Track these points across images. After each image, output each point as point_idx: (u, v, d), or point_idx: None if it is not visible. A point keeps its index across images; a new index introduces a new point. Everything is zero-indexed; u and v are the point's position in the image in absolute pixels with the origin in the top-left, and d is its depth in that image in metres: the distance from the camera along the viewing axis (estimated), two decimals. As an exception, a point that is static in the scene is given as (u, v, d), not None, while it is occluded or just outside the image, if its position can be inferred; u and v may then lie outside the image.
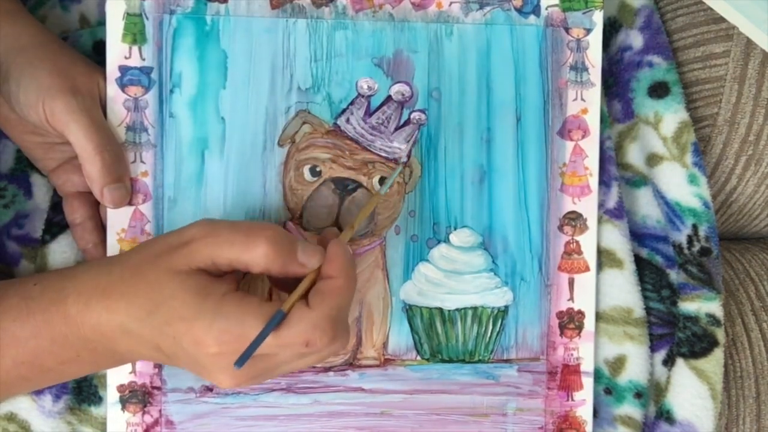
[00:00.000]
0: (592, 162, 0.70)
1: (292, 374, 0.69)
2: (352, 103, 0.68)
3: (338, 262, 0.58)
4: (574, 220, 0.70)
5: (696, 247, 0.71)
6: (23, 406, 0.68)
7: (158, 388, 0.68)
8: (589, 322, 0.71)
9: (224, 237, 0.57)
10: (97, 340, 0.59)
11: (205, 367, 0.57)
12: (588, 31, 0.70)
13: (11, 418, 0.68)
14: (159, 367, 0.68)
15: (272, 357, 0.57)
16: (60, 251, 0.69)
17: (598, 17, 0.70)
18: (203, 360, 0.56)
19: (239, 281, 0.60)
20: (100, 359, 0.61)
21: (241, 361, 0.54)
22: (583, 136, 0.70)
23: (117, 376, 0.68)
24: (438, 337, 0.70)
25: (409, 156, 0.69)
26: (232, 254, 0.57)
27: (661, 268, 0.74)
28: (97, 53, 0.70)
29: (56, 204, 0.70)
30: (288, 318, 0.56)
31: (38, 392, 0.67)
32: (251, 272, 0.58)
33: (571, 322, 0.71)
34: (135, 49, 0.67)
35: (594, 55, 0.70)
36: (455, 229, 0.70)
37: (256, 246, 0.56)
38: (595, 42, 0.70)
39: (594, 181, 0.70)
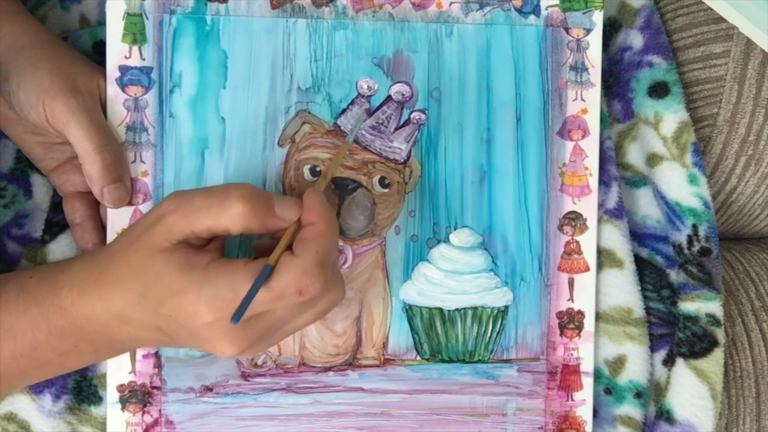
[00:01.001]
0: (592, 162, 0.70)
1: (292, 374, 0.69)
2: (352, 103, 0.68)
3: (315, 208, 0.58)
4: (574, 220, 0.70)
5: (696, 247, 0.71)
6: (23, 406, 0.68)
7: (158, 388, 0.68)
8: (589, 323, 0.71)
9: (197, 204, 0.56)
10: (94, 330, 0.59)
11: (205, 339, 0.57)
12: (588, 31, 0.70)
13: (11, 418, 0.68)
14: (159, 366, 0.68)
15: (269, 315, 0.57)
16: (60, 251, 0.69)
17: (598, 17, 0.70)
18: (201, 332, 0.56)
19: (222, 247, 0.60)
20: (100, 349, 0.61)
21: (237, 317, 0.54)
22: (583, 136, 0.70)
23: (117, 376, 0.68)
24: (438, 337, 0.70)
25: (409, 156, 0.69)
26: (209, 220, 0.56)
27: (661, 268, 0.74)
28: (97, 53, 0.70)
29: (56, 204, 0.70)
30: (276, 269, 0.55)
31: (38, 392, 0.68)
32: (232, 234, 0.57)
33: (571, 322, 0.71)
34: (135, 49, 0.67)
35: (594, 55, 0.70)
36: (455, 229, 0.70)
37: (231, 206, 0.56)
38: (595, 42, 0.70)
39: (594, 181, 0.70)
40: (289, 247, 0.57)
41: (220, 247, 0.60)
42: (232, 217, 0.56)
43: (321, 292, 0.56)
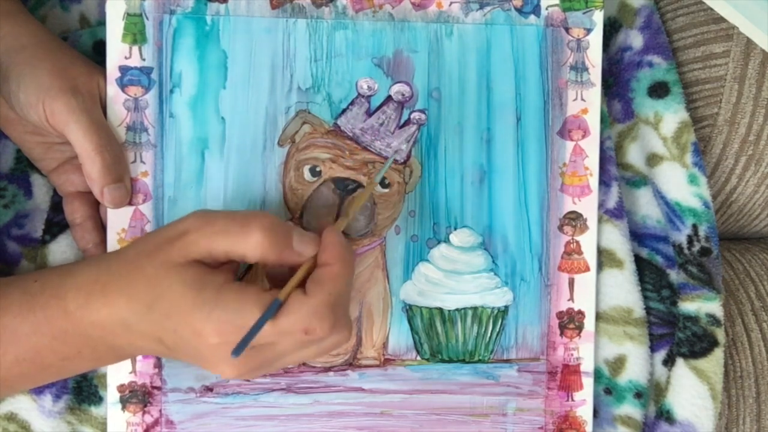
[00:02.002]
0: (593, 162, 0.70)
1: (292, 374, 0.69)
2: (352, 103, 0.68)
3: (333, 248, 0.58)
4: (574, 220, 0.70)
5: (696, 247, 0.71)
6: (23, 406, 0.68)
7: (158, 388, 0.68)
8: (589, 323, 0.71)
9: (219, 227, 0.57)
10: (97, 336, 0.59)
11: (206, 359, 0.57)
12: (588, 31, 0.70)
13: (11, 418, 0.68)
14: (159, 367, 0.68)
15: (272, 346, 0.57)
16: (60, 251, 0.69)
17: (598, 17, 0.70)
18: (204, 351, 0.56)
19: (236, 272, 0.60)
20: (102, 355, 0.61)
21: (238, 350, 0.54)
22: (584, 136, 0.70)
23: (117, 376, 0.68)
24: (438, 337, 0.70)
25: (409, 156, 0.69)
26: (228, 244, 0.56)
27: (661, 268, 0.74)
28: (97, 53, 0.70)
29: (56, 204, 0.70)
30: (286, 306, 0.56)
31: (38, 392, 0.68)
32: (248, 262, 0.58)
33: (571, 322, 0.71)
34: (135, 49, 0.67)
35: (594, 55, 0.70)
36: (455, 229, 0.70)
37: (251, 235, 0.56)
38: (595, 42, 0.70)
39: (594, 181, 0.70)
40: (303, 283, 0.58)
41: (234, 269, 0.60)
42: (250, 246, 0.56)
43: (328, 333, 0.57)
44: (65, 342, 0.59)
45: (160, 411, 0.68)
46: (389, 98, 0.68)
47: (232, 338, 0.55)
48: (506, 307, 0.70)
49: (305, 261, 0.58)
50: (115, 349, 0.60)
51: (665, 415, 0.70)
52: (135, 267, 0.58)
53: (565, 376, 0.71)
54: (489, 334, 0.70)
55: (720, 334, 0.70)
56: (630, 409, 0.72)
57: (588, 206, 0.70)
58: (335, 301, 0.57)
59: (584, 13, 0.70)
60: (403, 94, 0.68)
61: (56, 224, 0.69)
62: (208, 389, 0.68)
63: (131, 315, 0.57)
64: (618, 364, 0.72)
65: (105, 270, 0.59)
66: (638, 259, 0.73)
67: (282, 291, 0.56)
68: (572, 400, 0.71)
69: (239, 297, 0.56)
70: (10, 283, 0.61)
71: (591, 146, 0.70)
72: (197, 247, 0.57)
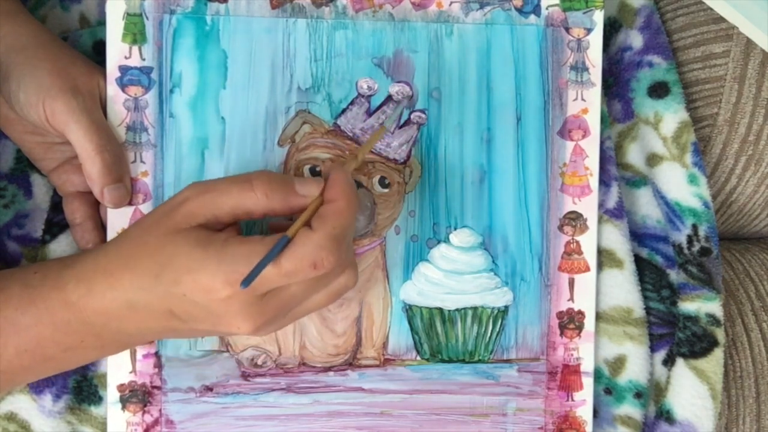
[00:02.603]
0: (593, 162, 0.70)
1: (292, 374, 0.69)
2: (352, 103, 0.68)
3: (339, 185, 0.58)
4: (574, 220, 0.70)
5: (696, 247, 0.71)
6: (23, 406, 0.68)
7: (158, 388, 0.68)
8: (589, 323, 0.71)
9: (220, 188, 0.58)
10: (101, 323, 0.59)
11: (221, 316, 0.57)
12: (588, 30, 0.70)
13: (11, 417, 0.68)
14: (159, 366, 0.68)
15: (283, 291, 0.57)
16: (60, 251, 0.69)
17: (598, 17, 0.70)
18: (217, 308, 0.56)
19: (239, 231, 0.60)
20: (106, 343, 0.61)
21: (248, 280, 0.54)
22: (584, 136, 0.70)
23: (117, 376, 0.68)
24: (438, 337, 0.70)
25: (409, 156, 0.69)
26: (232, 201, 0.57)
27: (661, 268, 0.74)
28: (97, 53, 0.70)
29: (56, 204, 0.70)
30: (292, 242, 0.56)
31: (38, 392, 0.68)
32: (254, 217, 0.58)
33: (571, 322, 0.71)
34: (135, 49, 0.67)
35: (594, 55, 0.70)
36: (455, 229, 0.70)
37: (254, 187, 0.57)
38: (595, 42, 0.70)
39: (594, 181, 0.70)
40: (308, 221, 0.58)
41: (237, 229, 0.60)
42: (255, 197, 0.57)
43: (333, 267, 0.56)
44: (67, 333, 0.59)
45: (160, 411, 0.68)
46: (389, 98, 0.68)
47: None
48: (506, 307, 0.70)
49: (310, 202, 0.58)
50: (120, 334, 0.60)
51: (665, 415, 0.70)
52: (137, 243, 0.58)
53: (565, 376, 0.71)
54: (489, 334, 0.70)
55: (720, 334, 0.70)
56: (630, 409, 0.72)
57: (588, 206, 0.70)
58: (340, 234, 0.57)
59: (584, 13, 0.70)
60: (403, 94, 0.68)
61: (56, 224, 0.69)
62: (208, 389, 0.68)
63: (138, 291, 0.57)
64: (618, 364, 0.71)
65: (104, 255, 0.59)
66: (638, 259, 0.73)
67: (290, 228, 0.56)
68: (572, 400, 0.71)
69: (245, 246, 0.56)
70: (10, 276, 0.61)
71: (591, 146, 0.70)
72: (201, 211, 0.57)
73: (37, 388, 0.68)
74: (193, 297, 0.56)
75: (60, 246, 0.69)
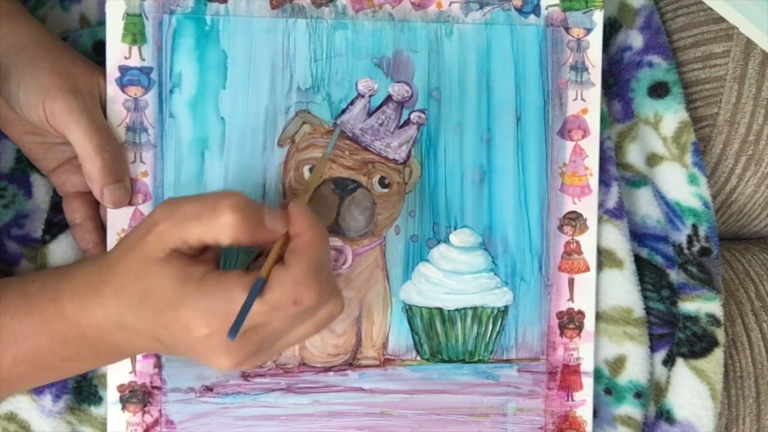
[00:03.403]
0: (593, 162, 0.70)
1: (292, 374, 0.69)
2: (352, 103, 0.68)
3: (301, 218, 0.57)
4: (574, 220, 0.70)
5: (696, 247, 0.71)
6: (23, 406, 0.68)
7: (158, 388, 0.68)
8: (589, 323, 0.71)
9: (188, 212, 0.56)
10: (96, 336, 0.59)
11: (201, 353, 0.57)
12: (588, 30, 0.70)
13: (11, 417, 0.68)
14: (159, 366, 0.68)
15: (266, 327, 0.56)
16: (60, 251, 0.69)
17: (598, 17, 0.70)
18: (197, 345, 0.56)
19: (218, 259, 0.60)
20: (101, 354, 0.61)
21: (233, 332, 0.53)
22: (583, 136, 0.70)
23: (117, 376, 0.68)
24: (438, 337, 0.70)
25: (408, 156, 0.69)
26: (200, 229, 0.55)
27: (661, 268, 0.74)
28: (96, 53, 0.70)
29: (56, 204, 0.70)
30: (269, 281, 0.55)
31: (38, 392, 0.68)
32: (222, 245, 0.57)
33: (571, 322, 0.71)
34: (135, 49, 0.67)
35: (594, 55, 0.70)
36: (455, 229, 0.70)
37: (221, 216, 0.55)
38: (595, 42, 0.70)
39: (594, 181, 0.70)
40: (281, 259, 0.57)
41: (216, 258, 0.60)
42: (222, 228, 0.55)
43: (316, 301, 0.56)
44: (64, 344, 0.59)
45: (160, 411, 0.68)
46: (389, 98, 0.68)
47: (221, 326, 0.54)
48: (506, 307, 0.70)
49: (278, 237, 0.58)
50: (114, 348, 0.60)
51: (665, 415, 0.70)
52: (120, 268, 0.57)
53: (565, 376, 0.71)
54: (489, 334, 0.70)
55: (720, 334, 0.70)
56: (630, 409, 0.72)
57: (588, 206, 0.70)
58: (316, 267, 0.56)
59: (584, 13, 0.70)
60: (403, 94, 0.68)
61: (56, 224, 0.69)
62: (208, 389, 0.68)
63: (125, 313, 0.57)
64: (618, 364, 0.72)
65: (96, 272, 0.59)
66: (638, 259, 0.73)
67: (263, 268, 0.55)
68: (572, 400, 0.71)
69: (222, 284, 0.55)
70: (8, 284, 0.61)
71: (591, 146, 0.70)
72: (169, 237, 0.56)
73: (36, 388, 0.68)
74: (173, 330, 0.56)
75: (60, 246, 0.69)
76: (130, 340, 0.59)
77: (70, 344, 0.59)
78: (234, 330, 0.53)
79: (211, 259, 0.59)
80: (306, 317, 0.57)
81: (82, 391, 0.69)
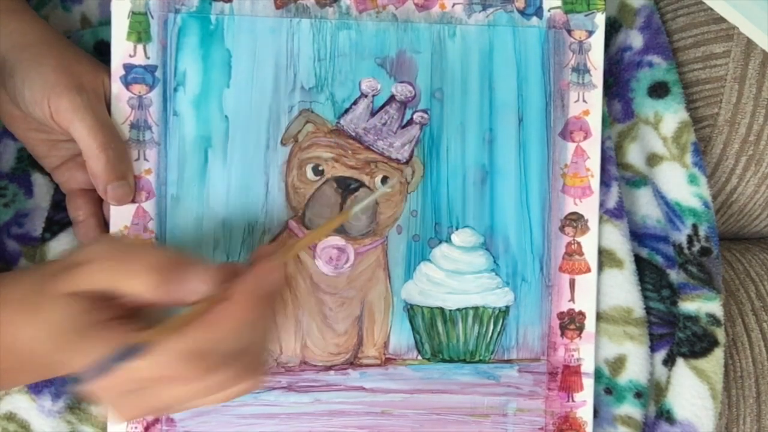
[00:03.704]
0: (594, 163, 0.70)
1: (293, 372, 0.69)
2: (355, 103, 0.68)
3: (244, 284, 0.53)
4: (575, 221, 0.71)
5: (696, 247, 0.71)
6: (23, 406, 0.68)
7: (160, 385, 0.68)
8: (590, 323, 0.71)
9: (107, 264, 0.53)
10: (27, 351, 0.55)
11: (100, 400, 0.54)
12: (590, 33, 0.70)
13: (11, 417, 0.68)
14: (161, 363, 0.68)
15: (158, 390, 0.52)
16: (60, 249, 0.69)
17: (600, 19, 0.70)
18: (95, 391, 0.52)
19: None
20: (30, 373, 0.58)
21: (87, 380, 0.51)
22: (585, 138, 0.70)
23: (118, 374, 0.67)
24: (439, 337, 0.70)
25: (411, 156, 0.69)
26: (111, 283, 0.53)
27: (661, 268, 0.74)
28: (98, 53, 0.70)
29: (57, 203, 0.70)
30: (152, 347, 0.50)
31: (37, 392, 0.67)
32: (135, 302, 0.53)
33: (572, 323, 0.71)
34: (140, 47, 0.67)
35: (596, 57, 0.70)
36: (457, 229, 0.70)
37: (134, 275, 0.52)
38: (597, 44, 0.70)
39: (595, 183, 0.70)
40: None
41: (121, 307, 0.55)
42: (132, 286, 0.53)
43: (203, 378, 0.52)
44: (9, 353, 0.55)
45: (162, 408, 0.68)
46: (392, 98, 0.69)
47: (109, 384, 0.51)
48: (507, 307, 0.71)
49: (200, 299, 0.53)
50: (40, 368, 0.57)
51: (665, 415, 0.70)
52: (38, 290, 0.54)
53: (566, 377, 0.71)
54: (490, 335, 0.71)
55: (720, 334, 0.70)
56: (630, 409, 0.72)
57: (589, 207, 0.71)
58: (207, 348, 0.51)
59: (586, 16, 0.70)
60: (405, 95, 0.69)
61: (56, 223, 0.69)
62: (210, 387, 0.68)
63: (36, 342, 0.54)
64: (618, 364, 0.72)
65: (20, 288, 0.55)
66: (638, 259, 0.73)
67: (144, 333, 0.51)
68: (572, 400, 0.71)
69: (113, 336, 0.52)
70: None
71: (592, 148, 0.70)
72: (83, 282, 0.53)
73: (35, 388, 0.67)
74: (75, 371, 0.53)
75: (60, 244, 0.69)
76: (53, 362, 0.55)
77: (10, 355, 0.55)
78: (85, 379, 0.51)
79: (124, 304, 0.55)
80: (210, 390, 0.53)
81: (82, 390, 0.68)
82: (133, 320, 0.54)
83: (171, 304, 0.54)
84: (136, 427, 0.68)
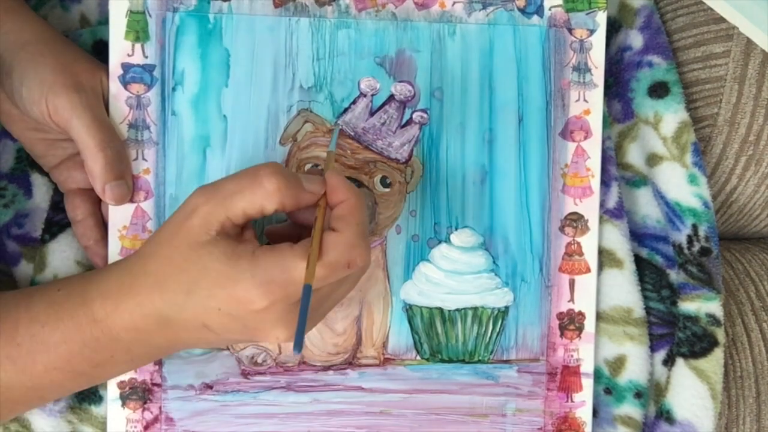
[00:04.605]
0: (594, 163, 0.70)
1: (292, 372, 0.69)
2: (354, 102, 0.68)
3: (342, 185, 0.58)
4: (575, 221, 0.71)
5: (696, 247, 0.71)
6: (24, 405, 0.68)
7: (158, 385, 0.68)
8: (590, 324, 0.71)
9: (229, 189, 0.57)
10: (131, 338, 0.59)
11: (257, 327, 0.56)
12: (591, 32, 0.70)
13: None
14: (159, 364, 0.68)
15: (318, 291, 0.57)
16: (60, 250, 0.69)
17: (601, 18, 0.70)
18: (254, 319, 0.56)
19: (257, 237, 0.60)
20: (136, 357, 0.61)
21: (298, 345, 0.53)
22: (585, 137, 0.70)
23: (117, 374, 0.67)
24: (438, 337, 0.70)
25: (410, 156, 0.69)
26: (244, 201, 0.56)
27: (661, 268, 0.74)
28: (97, 53, 0.70)
29: (56, 203, 0.70)
30: (324, 246, 0.56)
31: (38, 391, 0.68)
32: (266, 213, 0.57)
33: (571, 323, 0.71)
34: (138, 46, 0.67)
35: (597, 56, 0.70)
36: (456, 229, 0.70)
37: (264, 183, 0.56)
38: (598, 43, 0.70)
39: (596, 183, 0.70)
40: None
41: (255, 238, 0.60)
42: (266, 194, 0.56)
43: (366, 261, 0.57)
44: (96, 349, 0.59)
45: (160, 408, 0.68)
46: (391, 98, 0.69)
47: (280, 296, 0.55)
48: (506, 307, 0.70)
49: (318, 199, 0.59)
50: (151, 348, 0.60)
51: (665, 415, 0.70)
52: (160, 260, 0.58)
53: (565, 377, 0.71)
54: (489, 335, 0.70)
55: (720, 334, 0.70)
56: (630, 409, 0.72)
57: (589, 207, 0.70)
58: (363, 230, 0.58)
59: (587, 14, 0.70)
60: (405, 94, 0.69)
61: (56, 223, 0.69)
62: (208, 387, 0.68)
63: (169, 308, 0.57)
64: (618, 364, 0.72)
65: (128, 273, 0.59)
66: (638, 259, 0.73)
67: (313, 239, 0.56)
68: (572, 401, 0.71)
69: (275, 256, 0.55)
70: (34, 293, 0.61)
71: (593, 147, 0.70)
72: (215, 217, 0.56)
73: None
74: (229, 310, 0.56)
75: (60, 245, 0.69)
76: (169, 337, 0.59)
77: (103, 349, 0.59)
78: (298, 342, 0.53)
79: (252, 237, 0.59)
80: (350, 277, 0.59)
81: (83, 390, 0.68)
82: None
83: (293, 207, 0.58)
84: (135, 426, 0.68)
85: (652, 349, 0.72)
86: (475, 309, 0.70)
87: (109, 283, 0.59)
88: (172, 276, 0.57)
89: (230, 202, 0.56)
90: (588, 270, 0.71)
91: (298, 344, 0.53)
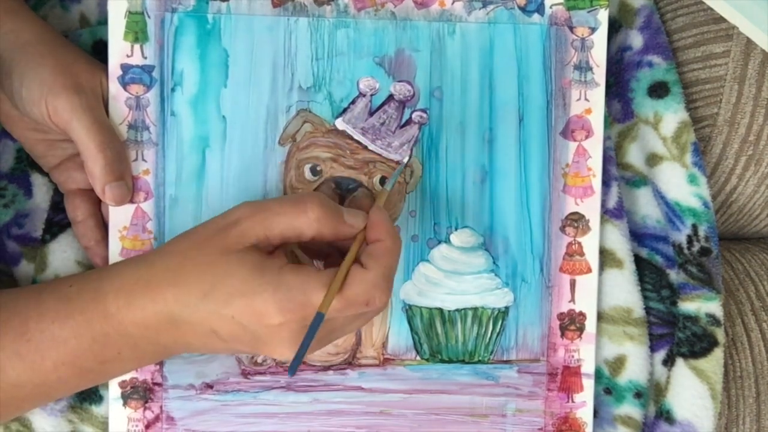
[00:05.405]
0: (596, 163, 0.70)
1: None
2: (353, 102, 0.68)
3: (383, 225, 0.60)
4: (576, 221, 0.70)
5: (696, 247, 0.71)
6: (25, 405, 0.68)
7: (159, 385, 0.68)
8: (590, 324, 0.71)
9: (273, 210, 0.58)
10: (139, 335, 0.59)
11: (266, 342, 0.57)
12: (592, 30, 0.70)
13: (12, 416, 0.68)
14: (160, 363, 0.68)
15: (332, 321, 0.58)
16: (60, 250, 0.69)
17: (603, 16, 0.69)
18: (264, 333, 0.56)
19: (288, 257, 0.61)
20: (142, 355, 0.61)
21: (292, 369, 0.56)
22: (587, 137, 0.70)
23: (117, 374, 0.68)
24: (438, 338, 0.70)
25: (410, 156, 0.69)
26: (284, 223, 0.58)
27: (661, 268, 0.74)
28: (96, 53, 0.70)
29: (56, 203, 0.70)
30: (348, 280, 0.57)
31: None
32: (303, 239, 0.59)
33: (572, 323, 0.71)
34: (137, 47, 0.67)
35: (598, 55, 0.70)
36: (456, 229, 0.70)
37: (307, 210, 0.58)
38: (599, 41, 0.70)
39: (597, 182, 0.70)
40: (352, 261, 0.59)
41: (286, 255, 0.60)
42: (308, 221, 0.58)
43: (385, 304, 0.58)
44: (105, 345, 0.59)
45: (161, 407, 0.68)
46: (391, 97, 0.69)
47: (295, 317, 0.56)
48: (507, 308, 0.70)
49: (356, 233, 0.60)
50: (158, 346, 0.60)
51: (665, 415, 0.70)
52: (184, 258, 0.58)
53: (566, 378, 0.71)
54: (489, 335, 0.70)
55: (720, 334, 0.70)
56: (630, 409, 0.72)
57: (590, 207, 0.70)
58: (391, 273, 0.59)
59: (589, 12, 0.69)
60: (404, 94, 0.69)
61: (56, 224, 0.69)
62: (209, 386, 0.68)
63: (181, 308, 0.57)
64: (618, 364, 0.72)
65: (147, 267, 0.59)
66: (638, 259, 0.73)
67: (340, 270, 0.57)
68: (572, 401, 0.71)
69: (300, 277, 0.57)
70: (44, 289, 0.61)
71: (594, 147, 0.70)
72: (253, 232, 0.58)
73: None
74: (242, 320, 0.56)
75: (60, 245, 0.69)
76: (178, 337, 0.59)
77: (111, 345, 0.59)
78: (293, 367, 0.56)
79: (282, 254, 0.60)
80: (366, 314, 0.60)
81: (83, 390, 0.68)
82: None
83: (332, 237, 0.60)
84: (137, 426, 0.68)
85: (652, 349, 0.72)
86: (475, 309, 0.70)
87: (124, 277, 0.60)
88: (191, 275, 0.57)
89: (271, 222, 0.58)
90: (589, 270, 0.71)
91: (293, 368, 0.55)
